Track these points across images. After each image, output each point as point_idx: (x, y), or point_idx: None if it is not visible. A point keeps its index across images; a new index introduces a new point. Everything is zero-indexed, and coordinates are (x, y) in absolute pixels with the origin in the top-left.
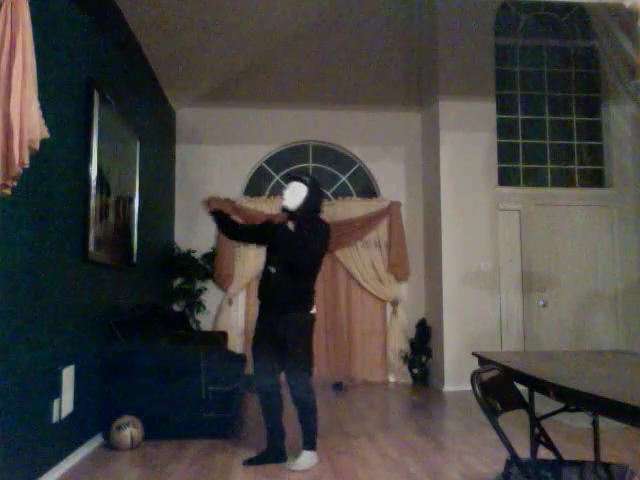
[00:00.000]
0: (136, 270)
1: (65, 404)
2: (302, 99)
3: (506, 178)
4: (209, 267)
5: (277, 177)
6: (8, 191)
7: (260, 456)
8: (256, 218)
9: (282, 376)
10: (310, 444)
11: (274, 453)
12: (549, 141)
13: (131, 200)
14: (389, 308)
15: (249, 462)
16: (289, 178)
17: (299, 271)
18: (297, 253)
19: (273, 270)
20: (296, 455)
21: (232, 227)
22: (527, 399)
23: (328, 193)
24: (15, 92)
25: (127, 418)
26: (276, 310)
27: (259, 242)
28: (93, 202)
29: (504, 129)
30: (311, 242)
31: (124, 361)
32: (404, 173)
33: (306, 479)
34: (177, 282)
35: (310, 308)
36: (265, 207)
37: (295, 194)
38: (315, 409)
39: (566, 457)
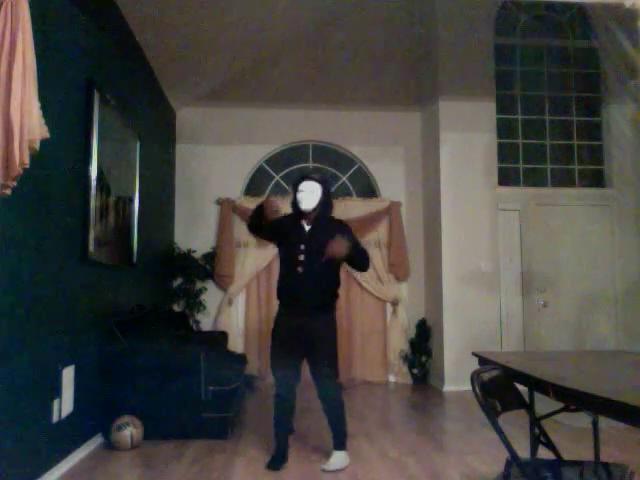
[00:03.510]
0: (136, 270)
1: (65, 404)
2: (302, 99)
3: (506, 178)
4: (209, 267)
5: (277, 177)
6: (8, 191)
7: (274, 458)
8: None
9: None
10: (342, 444)
11: (279, 455)
12: (549, 141)
13: (131, 200)
14: (389, 308)
15: (272, 467)
16: (302, 178)
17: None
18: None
19: (300, 269)
20: (328, 456)
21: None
22: (527, 399)
23: None
24: (15, 92)
25: (127, 418)
26: (309, 311)
27: (272, 238)
28: (93, 202)
29: (504, 129)
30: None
31: (124, 361)
32: (404, 173)
33: (305, 479)
34: (177, 282)
35: (336, 308)
36: None
37: (313, 194)
38: (344, 409)
39: (566, 457)
